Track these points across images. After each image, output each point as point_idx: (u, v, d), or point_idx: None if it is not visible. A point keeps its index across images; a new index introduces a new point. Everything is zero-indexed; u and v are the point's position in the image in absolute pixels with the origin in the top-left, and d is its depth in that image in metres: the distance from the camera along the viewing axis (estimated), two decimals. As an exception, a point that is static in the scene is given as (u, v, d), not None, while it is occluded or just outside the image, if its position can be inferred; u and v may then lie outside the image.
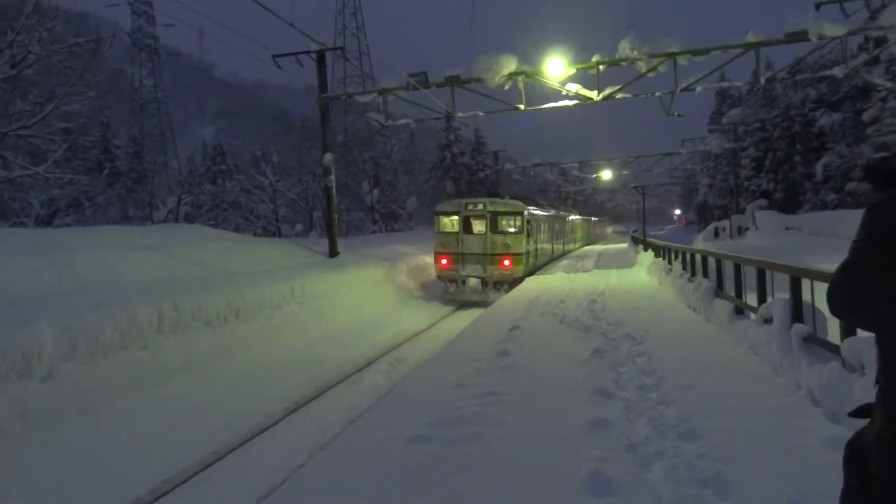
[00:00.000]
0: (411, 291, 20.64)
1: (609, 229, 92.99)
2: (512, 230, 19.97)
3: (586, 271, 23.14)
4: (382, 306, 17.36)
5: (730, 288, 9.28)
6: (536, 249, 22.90)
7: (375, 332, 14.31)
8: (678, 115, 19.75)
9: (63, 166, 26.00)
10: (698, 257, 12.34)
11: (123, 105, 67.12)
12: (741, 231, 36.19)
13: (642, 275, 19.85)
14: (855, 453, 1.62)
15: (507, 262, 19.79)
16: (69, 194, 32.17)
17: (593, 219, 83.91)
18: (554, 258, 29.61)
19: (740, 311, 8.55)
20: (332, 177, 19.27)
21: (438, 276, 20.48)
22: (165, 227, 16.85)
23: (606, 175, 44.87)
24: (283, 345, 11.63)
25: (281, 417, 8.25)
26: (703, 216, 58.10)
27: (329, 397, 9.38)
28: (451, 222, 20.20)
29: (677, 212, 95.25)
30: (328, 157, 19.10)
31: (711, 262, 10.98)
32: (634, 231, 57.16)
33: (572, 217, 40.53)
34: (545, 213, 27.13)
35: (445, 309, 18.84)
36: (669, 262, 16.21)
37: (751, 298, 8.18)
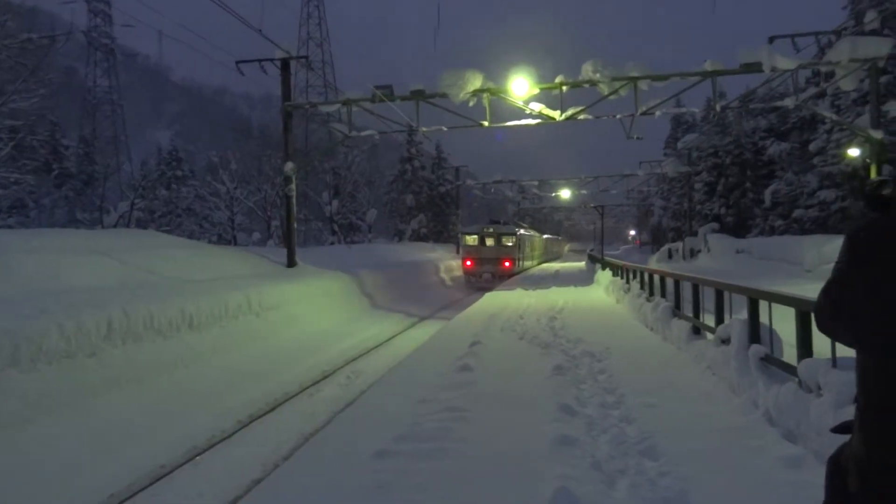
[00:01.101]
0: (372, 303, 20.57)
1: (566, 247, 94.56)
2: (510, 244, 34.72)
3: (545, 288, 23.43)
4: (341, 318, 17.20)
5: (687, 309, 9.46)
6: (523, 256, 38.50)
7: (334, 344, 14.12)
8: (637, 138, 20.20)
9: (8, 165, 25.04)
10: (656, 278, 12.56)
11: (75, 105, 65.03)
12: (693, 253, 37.20)
13: (600, 293, 20.10)
14: (836, 469, 1.65)
15: (507, 264, 34.28)
16: (13, 195, 30.98)
17: (551, 237, 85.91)
18: (533, 262, 44.79)
19: (698, 331, 8.72)
20: (293, 186, 19.03)
21: (465, 273, 34.17)
22: (117, 232, 16.29)
23: (565, 194, 45.63)
24: (239, 356, 11.37)
25: (234, 431, 8.00)
26: (656, 237, 59.51)
27: (285, 410, 9.17)
28: (472, 239, 34.87)
29: (632, 232, 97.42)
30: (289, 165, 18.85)
31: (669, 282, 11.19)
32: (591, 250, 58.26)
33: (545, 236, 60.06)
34: (528, 233, 43.63)
35: (406, 321, 18.89)
36: (627, 282, 16.48)
37: (708, 319, 8.35)
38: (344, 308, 18.11)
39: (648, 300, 12.53)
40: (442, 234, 54.68)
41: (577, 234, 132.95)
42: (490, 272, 34.12)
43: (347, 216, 45.25)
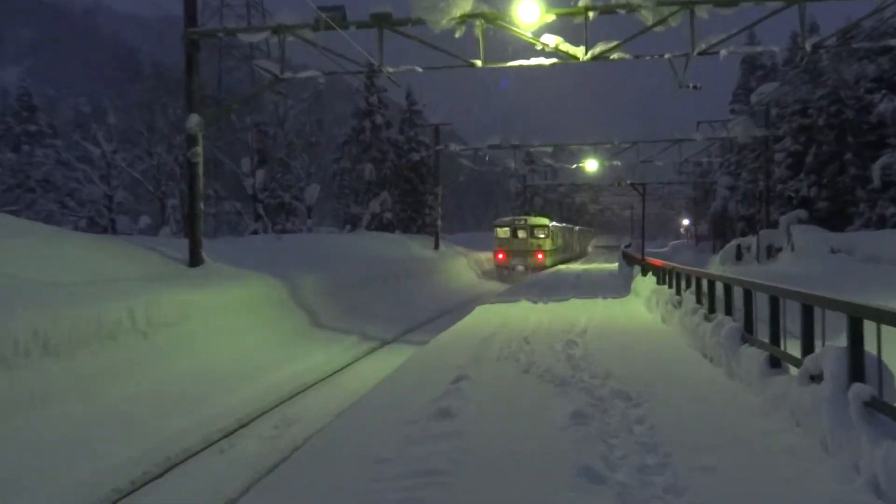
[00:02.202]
0: (314, 319, 20.69)
1: (591, 243, 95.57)
2: (542, 236, 48.59)
3: (561, 299, 23.78)
4: (268, 340, 17.19)
5: (763, 332, 9.53)
6: (556, 249, 51.61)
7: (257, 377, 14.12)
8: (694, 87, 20.38)
9: None
10: (719, 286, 12.66)
11: None
12: (771, 252, 37.65)
13: (639, 308, 20.35)
14: None
15: (539, 256, 47.42)
16: None
17: (584, 228, 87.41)
18: (567, 255, 59.39)
19: (777, 363, 8.78)
20: (199, 149, 18.91)
21: (497, 265, 47.90)
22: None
23: (591, 166, 45.81)
24: (114, 395, 11.25)
25: (107, 505, 7.95)
26: (719, 229, 60.16)
27: (181, 476, 9.11)
28: (504, 231, 48.33)
29: (685, 222, 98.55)
30: (194, 120, 18.72)
31: (737, 294, 11.28)
32: (627, 246, 58.86)
33: (577, 228, 74.85)
34: (561, 226, 58.74)
35: (362, 345, 19.05)
36: (678, 292, 16.64)
37: (792, 347, 8.41)
38: (272, 326, 18.08)
39: (707, 319, 12.62)
40: (415, 220, 54.78)
41: (607, 224, 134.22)
42: (522, 265, 47.01)
43: (278, 194, 45.13)
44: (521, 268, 46.37)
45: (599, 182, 67.79)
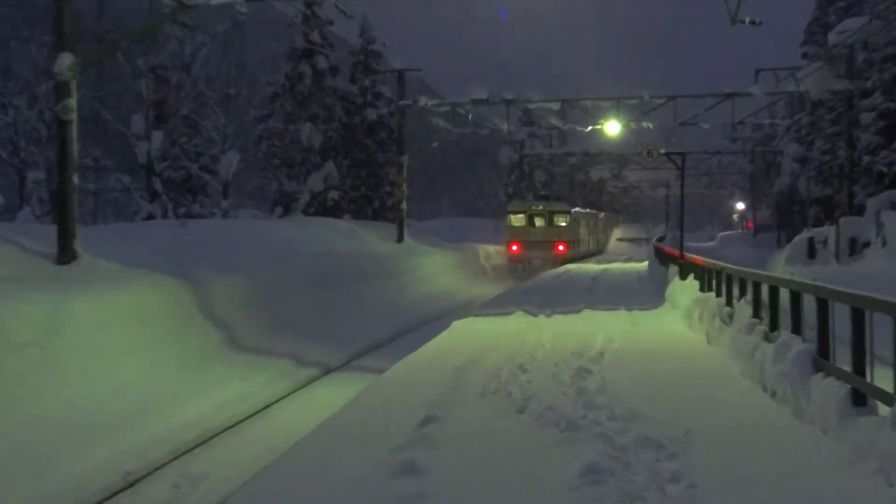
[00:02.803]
0: (230, 336, 20.71)
1: (613, 234, 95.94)
2: (563, 224, 56.33)
3: (570, 311, 24.02)
4: (168, 364, 17.16)
5: (843, 356, 9.54)
6: (579, 239, 60.14)
7: (147, 418, 14.06)
8: (752, 23, 20.44)
9: None
10: (784, 294, 12.69)
11: None
12: (855, 247, 37.86)
13: (676, 322, 20.69)
14: None
15: (560, 247, 54.68)
16: None
17: (611, 215, 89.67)
18: (591, 247, 70.07)
19: (862, 399, 8.79)
20: (73, 102, 18.73)
21: (510, 259, 54.21)
22: None
23: (611, 129, 45.86)
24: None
25: None
26: (786, 216, 60.56)
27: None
28: (518, 219, 55.46)
29: (739, 206, 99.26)
30: (65, 61, 18.54)
31: (809, 303, 11.29)
32: (660, 239, 59.05)
33: (601, 214, 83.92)
34: (585, 212, 65.69)
35: (302, 372, 19.21)
36: (729, 302, 16.73)
37: (883, 377, 8.42)
38: (172, 346, 17.98)
39: (768, 339, 12.68)
40: (371, 202, 54.73)
41: (633, 209, 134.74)
42: (540, 258, 52.99)
43: (182, 164, 44.90)
44: (538, 262, 52.36)
45: (623, 151, 68.13)
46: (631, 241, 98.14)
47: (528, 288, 34.31)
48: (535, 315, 22.88)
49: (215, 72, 47.05)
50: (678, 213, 38.08)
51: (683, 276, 25.24)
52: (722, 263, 19.72)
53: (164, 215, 41.35)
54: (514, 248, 54.62)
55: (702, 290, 20.74)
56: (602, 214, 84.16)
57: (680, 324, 20.26)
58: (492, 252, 57.17)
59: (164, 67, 44.27)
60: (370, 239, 42.34)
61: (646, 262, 48.25)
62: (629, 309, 24.32)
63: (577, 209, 63.38)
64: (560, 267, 49.45)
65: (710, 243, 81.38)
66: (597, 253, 75.67)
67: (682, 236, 32.45)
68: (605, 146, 66.55)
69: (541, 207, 56.66)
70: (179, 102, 44.84)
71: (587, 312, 23.53)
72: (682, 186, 33.55)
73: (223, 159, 46.08)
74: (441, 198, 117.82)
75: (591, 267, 52.20)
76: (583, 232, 65.98)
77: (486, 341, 17.52)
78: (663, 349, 16.28)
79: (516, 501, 7.20)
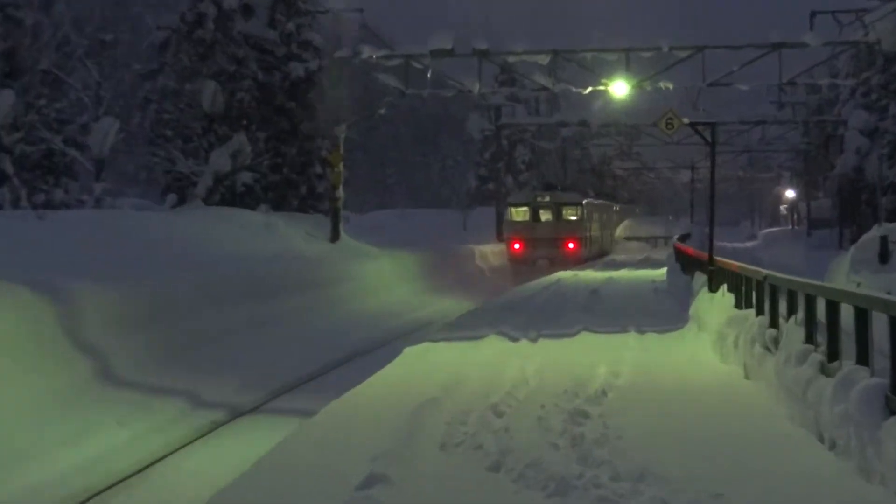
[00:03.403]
0: (108, 364, 20.56)
1: (618, 230, 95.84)
2: (574, 217, 62.29)
3: (563, 335, 24.14)
4: (15, 405, 16.91)
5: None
6: (591, 235, 66.39)
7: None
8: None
9: None
10: (848, 312, 12.64)
11: None
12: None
13: (703, 349, 20.87)
14: None
15: (570, 245, 60.73)
16: None
17: (616, 207, 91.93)
18: (604, 246, 77.87)
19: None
20: None
21: (511, 260, 60.96)
22: None
23: (618, 90, 45.97)
24: None
25: None
26: (850, 209, 60.89)
27: None
28: (521, 212, 61.92)
29: (790, 195, 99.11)
30: None
31: (882, 324, 11.25)
32: (683, 238, 59.13)
33: (616, 206, 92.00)
34: (599, 203, 74.19)
35: (200, 416, 19.17)
36: (774, 322, 16.71)
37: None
38: (23, 379, 17.82)
39: (826, 371, 12.65)
40: (296, 188, 54.52)
41: (647, 198, 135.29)
42: (547, 257, 58.78)
43: (40, 135, 44.56)
44: (544, 262, 57.90)
45: (634, 121, 68.39)
46: (644, 240, 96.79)
47: (506, 304, 34.35)
48: (515, 340, 22.92)
49: (87, 12, 46.75)
50: (707, 204, 38.18)
51: (714, 288, 25.26)
52: (765, 270, 19.77)
53: (16, 205, 40.93)
54: (517, 246, 59.38)
55: (738, 305, 20.80)
56: (617, 206, 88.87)
57: (708, 351, 20.34)
58: (464, 254, 57.39)
59: (14, 5, 43.92)
60: (294, 237, 42.28)
61: (663, 269, 48.36)
62: (641, 331, 24.47)
63: (590, 200, 68.36)
64: (534, 282, 48.39)
65: (749, 243, 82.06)
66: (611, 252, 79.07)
67: (711, 234, 32.50)
68: (611, 114, 66.70)
69: (547, 198, 61.07)
70: (36, 53, 44.47)
71: (585, 336, 23.55)
72: (712, 168, 33.55)
73: (95, 129, 45.71)
74: (391, 183, 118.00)
75: (590, 275, 52.29)
76: (596, 227, 70.21)
77: (450, 375, 17.54)
78: (686, 385, 16.36)
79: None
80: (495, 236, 67.19)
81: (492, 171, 73.17)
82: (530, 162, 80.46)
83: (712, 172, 33.19)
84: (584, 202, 63.29)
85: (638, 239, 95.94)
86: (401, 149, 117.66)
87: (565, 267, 54.37)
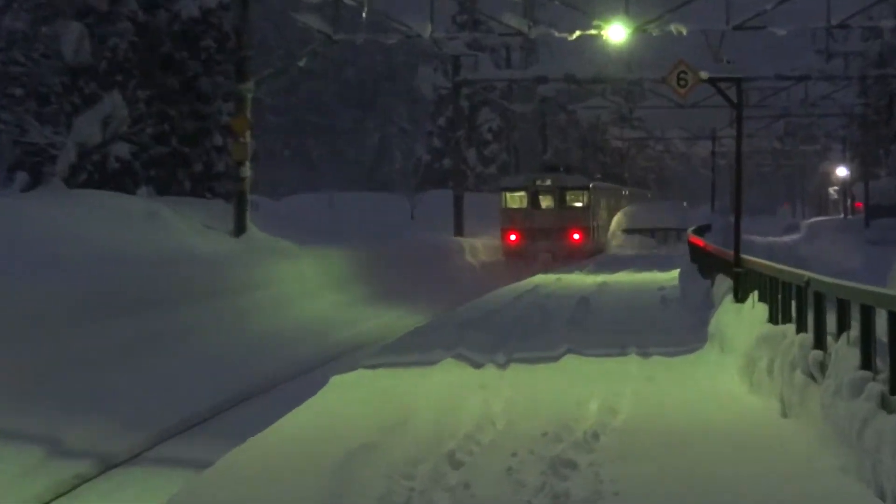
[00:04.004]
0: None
1: (615, 221, 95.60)
2: (579, 204, 73.07)
3: (542, 359, 24.13)
4: None
5: None
6: (599, 225, 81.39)
7: None
8: None
9: None
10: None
11: None
12: None
13: (725, 377, 20.96)
14: None
15: (575, 236, 71.19)
16: None
17: (625, 191, 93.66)
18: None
19: None
20: None
21: (507, 252, 71.51)
22: None
23: (615, 35, 46.18)
24: None
25: None
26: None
27: None
28: (518, 198, 71.61)
29: (841, 172, 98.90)
30: None
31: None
32: (701, 230, 59.19)
33: (625, 191, 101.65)
34: (606, 186, 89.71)
35: (65, 467, 19.06)
36: (820, 342, 16.72)
37: None
38: None
39: (887, 406, 12.67)
40: (188, 165, 54.46)
41: (650, 178, 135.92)
42: (549, 250, 64.37)
43: None
44: (546, 256, 63.08)
45: (636, 76, 68.54)
46: (650, 234, 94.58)
47: (468, 317, 34.39)
48: (478, 365, 22.90)
49: None
50: (732, 186, 38.44)
51: (741, 297, 25.31)
52: (809, 273, 19.81)
53: None
54: (513, 237, 64.71)
55: (773, 320, 20.78)
56: (627, 190, 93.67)
57: (734, 380, 20.33)
58: (415, 251, 57.45)
59: None
60: (186, 230, 42.04)
61: (674, 272, 48.43)
62: (645, 353, 24.56)
63: (597, 183, 73.50)
64: (505, 288, 49.55)
65: (789, 237, 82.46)
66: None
67: (738, 225, 32.59)
68: (605, 67, 66.72)
69: (548, 182, 65.98)
70: None
71: (571, 360, 23.47)
72: (738, 138, 33.70)
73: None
74: (316, 158, 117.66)
75: (578, 279, 52.55)
76: (604, 216, 76.48)
77: (391, 412, 17.56)
78: (704, 425, 16.37)
79: None
80: (454, 229, 67.11)
81: (448, 142, 73.13)
82: (499, 130, 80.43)
83: (739, 144, 33.33)
84: (590, 186, 67.25)
85: (641, 232, 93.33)
86: (328, 114, 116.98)
87: (568, 262, 57.85)
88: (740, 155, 32.66)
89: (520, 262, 60.58)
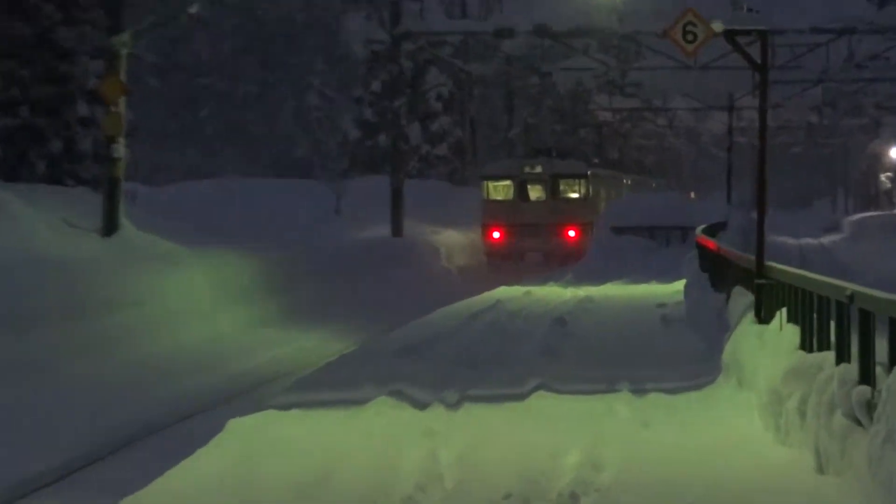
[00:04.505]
0: None
1: (602, 215, 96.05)
2: (575, 195, 79.21)
3: (505, 397, 24.02)
4: None
5: None
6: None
7: None
8: None
9: None
10: None
11: None
12: None
13: (743, 420, 20.94)
14: None
15: (571, 234, 76.90)
16: None
17: (627, 180, 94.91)
18: None
19: None
20: None
21: (489, 253, 77.99)
22: None
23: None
24: None
25: None
26: None
27: None
28: (502, 188, 77.88)
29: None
30: None
31: None
32: (713, 229, 59.31)
33: (626, 180, 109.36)
34: (606, 174, 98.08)
35: None
36: (867, 376, 16.63)
37: None
38: None
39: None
40: (42, 144, 54.58)
41: (648, 160, 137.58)
42: (539, 249, 67.54)
43: None
44: (536, 256, 67.07)
45: (629, 29, 69.00)
46: (647, 233, 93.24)
47: (410, 342, 34.07)
48: (421, 405, 22.76)
49: None
50: (754, 172, 38.65)
51: (765, 315, 25.26)
52: (852, 285, 19.78)
53: None
54: (496, 235, 67.31)
55: (806, 346, 20.64)
56: (628, 179, 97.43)
57: (754, 424, 20.24)
58: (348, 251, 57.60)
59: None
60: (40, 227, 41.93)
61: (678, 284, 48.56)
62: (639, 389, 24.45)
63: (596, 170, 76.72)
64: (455, 305, 49.28)
65: (829, 238, 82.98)
66: None
67: (761, 222, 32.63)
68: (589, 17, 66.99)
69: (538, 169, 68.05)
70: None
71: (543, 399, 23.28)
72: (762, 109, 33.80)
73: None
74: (211, 135, 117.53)
75: (554, 293, 52.62)
76: (604, 209, 77.12)
77: (307, 468, 17.47)
78: (717, 484, 16.23)
79: None
80: (391, 226, 67.25)
81: (384, 113, 73.12)
82: (451, 98, 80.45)
83: (763, 118, 33.38)
84: (588, 173, 69.39)
85: (635, 232, 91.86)
86: (228, 77, 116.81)
87: (564, 264, 60.91)
88: (765, 131, 32.68)
89: (502, 265, 63.34)
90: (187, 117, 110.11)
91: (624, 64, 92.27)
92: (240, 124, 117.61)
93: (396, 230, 67.42)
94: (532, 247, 64.54)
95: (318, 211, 69.08)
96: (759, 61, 32.11)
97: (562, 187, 66.49)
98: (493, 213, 65.94)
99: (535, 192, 66.44)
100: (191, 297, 44.10)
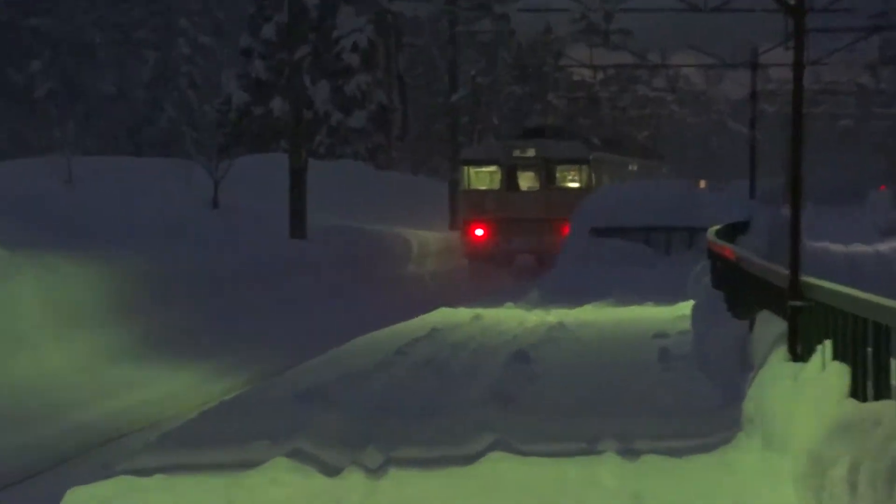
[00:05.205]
0: None
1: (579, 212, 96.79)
2: (574, 184, 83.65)
3: (447, 462, 23.97)
4: None
5: None
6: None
7: None
8: None
9: None
10: None
11: None
12: None
13: (778, 496, 20.82)
14: None
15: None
16: None
17: (632, 166, 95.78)
18: None
19: None
20: None
21: (470, 254, 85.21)
22: None
23: None
24: None
25: None
26: None
27: None
28: (486, 175, 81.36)
29: None
30: None
31: None
32: (731, 232, 59.56)
33: (632, 166, 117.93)
34: (612, 157, 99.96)
35: None
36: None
37: None
38: None
39: None
40: None
41: (642, 137, 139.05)
42: (532, 250, 73.37)
43: None
44: (526, 258, 70.81)
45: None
46: (642, 236, 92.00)
47: (315, 383, 33.77)
48: (331, 472, 22.55)
49: None
50: (787, 154, 39.02)
51: (801, 350, 25.29)
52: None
53: None
54: (479, 232, 70.33)
55: (858, 392, 20.59)
56: (634, 164, 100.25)
57: (788, 498, 20.17)
58: (236, 257, 57.77)
59: None
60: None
61: (683, 305, 48.70)
62: (630, 450, 24.29)
63: (599, 154, 79.17)
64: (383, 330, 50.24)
65: (888, 244, 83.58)
66: None
67: (796, 222, 32.88)
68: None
69: (530, 152, 69.64)
70: None
71: (498, 462, 22.98)
72: (797, 66, 33.98)
73: None
74: (44, 101, 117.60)
75: (513, 318, 52.60)
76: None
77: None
78: None
79: None
80: (290, 222, 67.14)
81: (280, 70, 73.29)
82: (372, 48, 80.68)
83: (798, 79, 33.53)
84: (591, 158, 71.00)
85: (624, 235, 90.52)
86: (65, 19, 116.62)
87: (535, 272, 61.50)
88: (801, 97, 32.74)
89: (485, 269, 66.93)
90: (10, 72, 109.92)
91: (609, 4, 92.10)
92: (80, 84, 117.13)
93: (297, 229, 66.99)
94: (523, 247, 66.73)
95: (190, 201, 68.95)
96: (793, 1, 32.24)
97: (559, 175, 68.02)
98: (474, 205, 67.80)
99: (526, 181, 68.01)
100: (11, 317, 43.85)
